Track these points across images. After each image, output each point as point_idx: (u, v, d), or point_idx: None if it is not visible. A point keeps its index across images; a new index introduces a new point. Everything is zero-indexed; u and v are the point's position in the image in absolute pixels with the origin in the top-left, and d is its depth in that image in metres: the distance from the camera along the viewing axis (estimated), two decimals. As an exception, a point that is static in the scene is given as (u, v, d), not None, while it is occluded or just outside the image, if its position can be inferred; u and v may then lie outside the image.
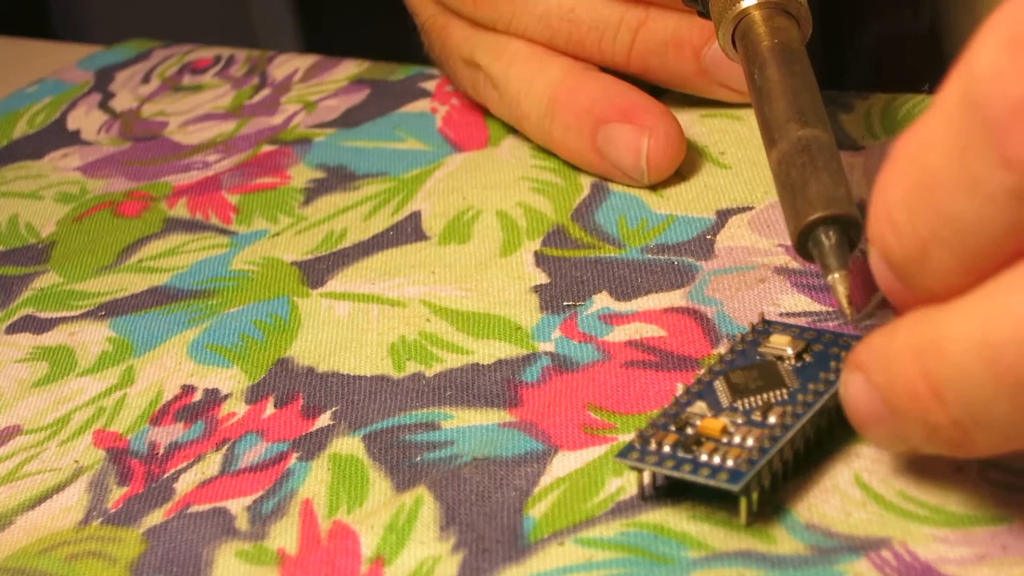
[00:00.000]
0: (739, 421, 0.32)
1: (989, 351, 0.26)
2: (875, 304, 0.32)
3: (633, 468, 0.32)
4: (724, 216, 0.42)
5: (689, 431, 0.32)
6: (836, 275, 0.33)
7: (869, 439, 0.31)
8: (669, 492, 0.33)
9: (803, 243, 0.34)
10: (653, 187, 0.44)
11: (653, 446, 0.32)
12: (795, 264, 0.39)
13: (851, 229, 0.34)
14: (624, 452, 0.32)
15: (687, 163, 0.44)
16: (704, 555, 0.31)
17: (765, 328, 0.35)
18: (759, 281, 0.39)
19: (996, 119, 0.25)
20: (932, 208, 0.27)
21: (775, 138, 0.36)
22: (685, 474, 0.31)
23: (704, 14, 0.42)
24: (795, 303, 0.38)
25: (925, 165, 0.27)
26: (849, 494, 0.32)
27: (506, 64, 0.46)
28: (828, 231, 0.34)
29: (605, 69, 0.46)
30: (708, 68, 0.44)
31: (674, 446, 0.32)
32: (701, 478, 0.31)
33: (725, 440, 0.32)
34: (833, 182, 0.34)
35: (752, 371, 0.33)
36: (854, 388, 0.30)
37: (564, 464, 0.34)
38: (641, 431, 0.32)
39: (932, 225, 0.27)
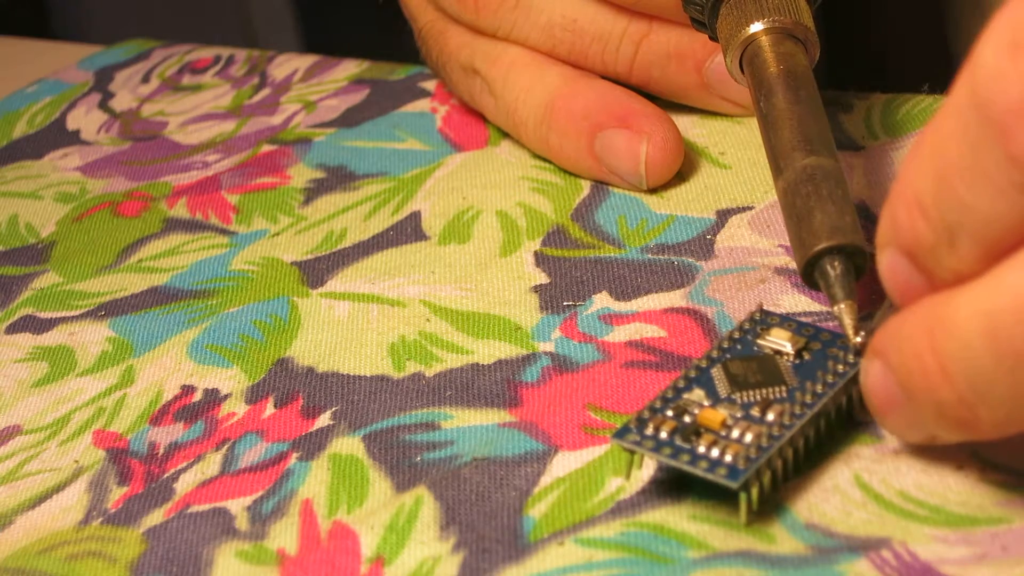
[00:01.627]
0: (738, 415, 0.32)
1: (989, 322, 0.27)
2: (879, 318, 0.33)
3: (629, 450, 0.32)
4: (724, 216, 0.42)
5: (687, 419, 0.32)
6: (842, 305, 0.34)
7: (888, 428, 0.31)
8: (669, 491, 0.33)
9: (809, 273, 0.34)
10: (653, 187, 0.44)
11: (650, 430, 0.32)
12: (795, 264, 0.39)
13: (857, 258, 0.34)
14: (621, 433, 0.32)
15: (687, 163, 0.44)
16: (704, 555, 0.31)
17: (763, 319, 0.35)
18: (759, 282, 0.39)
19: (1000, 118, 0.26)
20: (954, 197, 0.28)
21: (781, 167, 0.37)
22: (683, 464, 0.31)
23: (713, 38, 0.42)
24: (795, 303, 0.38)
25: (944, 157, 0.28)
26: (849, 494, 0.32)
27: (504, 71, 0.46)
28: (834, 261, 0.34)
29: (605, 77, 0.46)
30: (710, 81, 0.44)
31: (672, 433, 0.32)
32: (699, 470, 0.31)
33: (724, 434, 0.32)
34: (838, 211, 0.35)
35: (751, 364, 0.33)
36: (873, 375, 0.31)
37: (564, 464, 0.34)
38: (639, 414, 0.32)
39: (955, 213, 0.28)
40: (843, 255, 0.34)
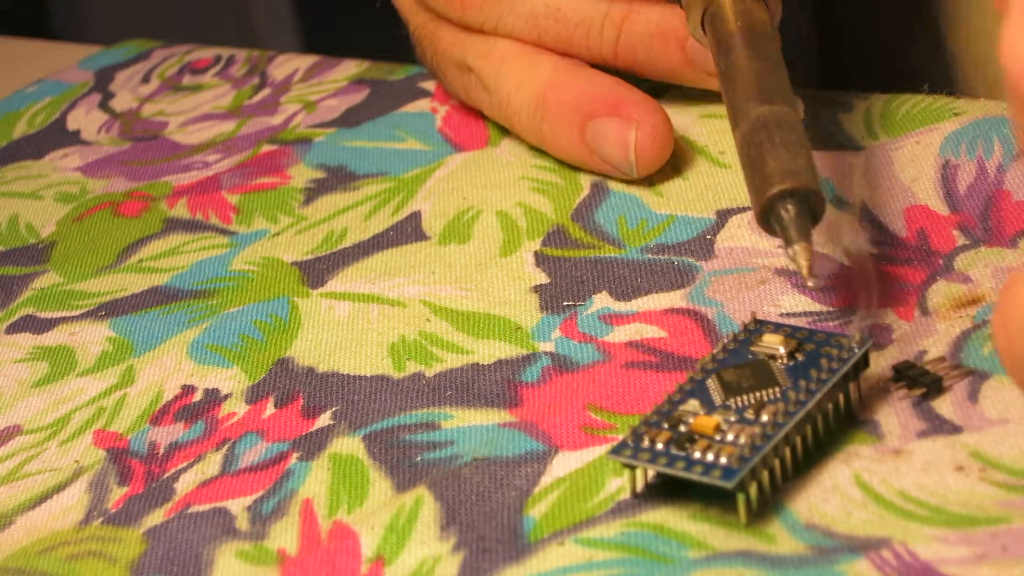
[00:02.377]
0: (732, 419, 0.32)
1: None
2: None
3: (626, 465, 0.32)
4: (724, 216, 0.42)
5: (682, 429, 0.32)
6: (796, 247, 0.34)
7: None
8: (669, 492, 0.33)
9: (766, 219, 0.35)
10: (653, 187, 0.44)
11: (646, 443, 0.32)
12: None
13: (811, 200, 0.34)
14: (617, 449, 0.32)
15: (687, 163, 0.44)
16: (704, 555, 0.31)
17: (757, 327, 0.35)
18: (760, 282, 0.39)
19: None
20: None
21: (737, 120, 0.37)
22: (678, 471, 0.31)
23: (677, 0, 0.42)
24: (795, 304, 0.38)
25: None
26: (849, 494, 0.32)
27: (496, 65, 0.46)
28: (786, 204, 0.34)
29: (596, 65, 0.46)
30: (694, 58, 0.45)
31: (667, 443, 0.32)
32: (695, 475, 0.31)
33: (718, 438, 0.32)
34: (791, 155, 0.35)
35: (744, 369, 0.33)
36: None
37: (564, 464, 0.34)
38: (634, 428, 0.32)
39: None
40: (797, 198, 0.34)
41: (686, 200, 0.43)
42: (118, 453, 0.38)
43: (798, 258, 0.33)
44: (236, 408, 0.39)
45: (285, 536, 0.34)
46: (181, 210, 0.48)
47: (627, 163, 0.43)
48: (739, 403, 0.32)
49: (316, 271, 0.43)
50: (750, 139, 0.36)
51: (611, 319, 0.39)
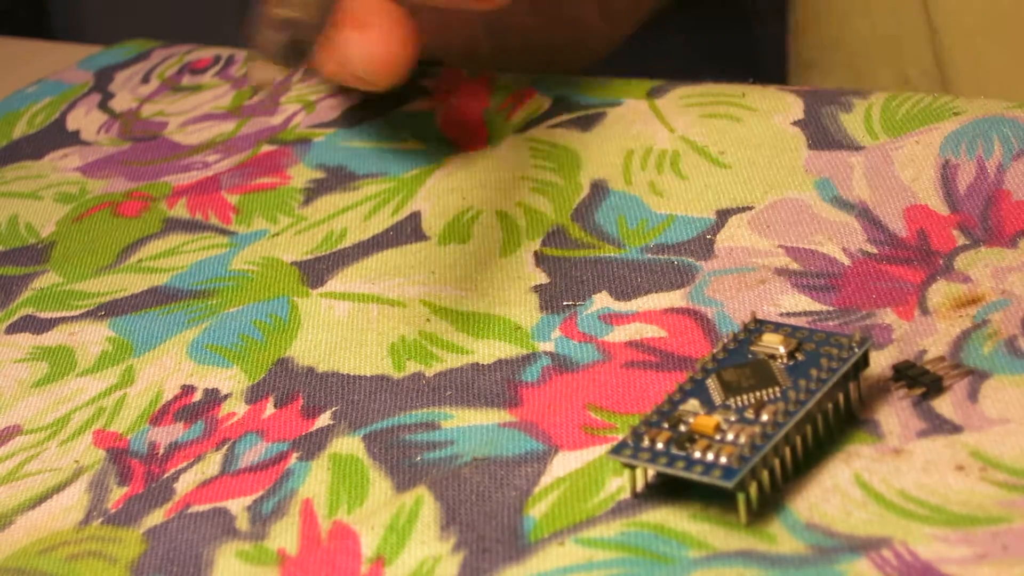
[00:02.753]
0: (732, 419, 0.32)
1: None
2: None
3: (626, 465, 0.32)
4: (724, 216, 0.42)
5: (682, 428, 0.32)
6: (255, 61, 0.36)
7: None
8: (669, 491, 0.33)
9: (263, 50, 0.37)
10: (653, 187, 0.44)
11: (646, 443, 0.32)
12: (795, 265, 0.39)
13: (293, 31, 0.36)
14: (617, 449, 0.32)
15: (687, 163, 0.44)
16: (704, 555, 0.31)
17: (757, 327, 0.35)
18: (759, 282, 0.39)
19: None
20: None
21: None
22: (678, 471, 0.31)
23: None
24: (795, 303, 0.38)
25: None
26: (849, 493, 0.32)
27: None
28: (264, 30, 0.36)
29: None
30: None
31: (667, 443, 0.32)
32: (695, 475, 0.31)
33: (718, 437, 0.32)
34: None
35: (745, 369, 0.33)
36: None
37: (564, 464, 0.34)
38: (634, 428, 0.32)
39: None
40: (274, 25, 0.36)
41: (686, 200, 0.43)
42: (118, 453, 0.38)
43: (252, 71, 0.35)
44: (236, 408, 0.39)
45: (285, 536, 0.34)
46: (181, 210, 0.48)
47: (365, 72, 0.44)
48: (739, 403, 0.33)
49: (316, 271, 0.43)
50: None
51: (611, 319, 0.39)
